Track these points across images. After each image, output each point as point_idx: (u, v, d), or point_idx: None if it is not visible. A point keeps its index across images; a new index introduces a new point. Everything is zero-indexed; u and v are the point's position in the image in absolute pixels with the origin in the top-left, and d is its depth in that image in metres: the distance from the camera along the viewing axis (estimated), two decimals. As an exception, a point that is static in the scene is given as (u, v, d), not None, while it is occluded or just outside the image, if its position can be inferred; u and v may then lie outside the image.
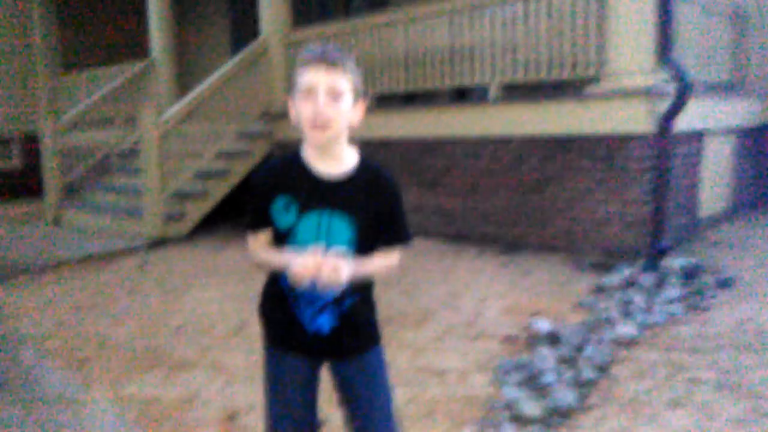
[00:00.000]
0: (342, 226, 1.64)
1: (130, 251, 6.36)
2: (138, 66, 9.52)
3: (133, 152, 8.16)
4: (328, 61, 1.58)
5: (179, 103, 7.22)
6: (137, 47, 10.92)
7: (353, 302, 1.72)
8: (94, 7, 12.01)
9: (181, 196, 7.01)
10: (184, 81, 10.01)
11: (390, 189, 1.72)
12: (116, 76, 9.67)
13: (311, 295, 1.66)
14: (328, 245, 1.62)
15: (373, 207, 1.67)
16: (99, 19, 12.17)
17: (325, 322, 1.70)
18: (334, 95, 1.59)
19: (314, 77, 1.58)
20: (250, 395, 3.10)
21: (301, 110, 1.60)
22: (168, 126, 6.86)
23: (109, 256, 6.16)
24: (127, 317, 4.36)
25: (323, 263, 1.54)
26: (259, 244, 1.73)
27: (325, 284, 1.56)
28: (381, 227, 1.70)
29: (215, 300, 4.67)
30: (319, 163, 1.66)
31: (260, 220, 1.69)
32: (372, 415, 1.80)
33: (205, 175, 7.21)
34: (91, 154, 8.90)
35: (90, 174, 8.87)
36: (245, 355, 3.60)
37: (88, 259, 6.05)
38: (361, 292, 1.74)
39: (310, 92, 1.58)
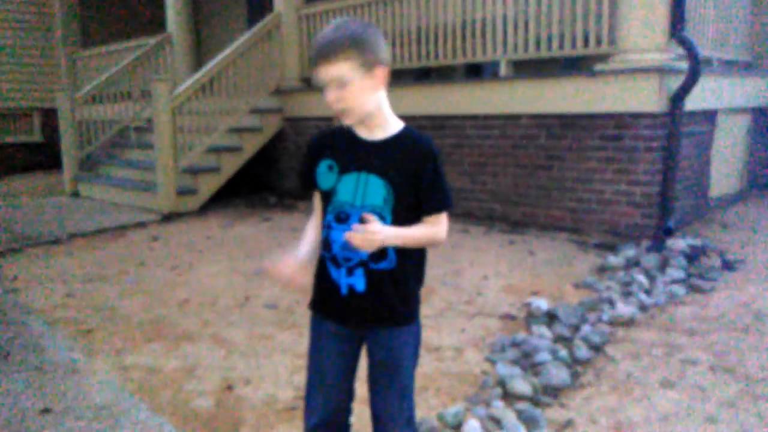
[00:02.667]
0: (377, 188, 1.73)
1: (142, 225, 6.46)
2: (154, 40, 9.55)
3: (148, 127, 8.23)
4: (323, 56, 1.67)
5: (192, 78, 7.25)
6: (155, 21, 10.97)
7: (388, 267, 1.76)
8: (111, -20, 12.07)
9: (194, 171, 7.08)
10: (200, 55, 10.05)
11: (427, 154, 1.75)
12: (134, 50, 9.73)
13: (344, 255, 1.76)
14: (364, 205, 1.73)
15: (410, 171, 1.73)
16: (118, -6, 12.23)
17: (356, 282, 1.77)
18: (339, 84, 1.67)
19: (319, 73, 1.69)
20: (249, 368, 3.17)
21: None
22: (181, 101, 6.90)
23: (121, 229, 6.27)
24: (135, 289, 4.45)
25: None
26: (317, 203, 1.90)
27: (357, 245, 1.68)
28: (421, 194, 1.75)
29: (222, 274, 4.74)
30: (363, 131, 1.78)
31: (304, 180, 1.86)
32: (387, 396, 1.85)
33: (217, 151, 7.27)
34: (109, 128, 9.02)
35: (107, 148, 9.00)
36: (247, 329, 3.67)
37: (101, 232, 6.16)
38: (401, 259, 1.77)
39: (324, 85, 1.70)
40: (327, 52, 1.66)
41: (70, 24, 11.88)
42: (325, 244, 1.80)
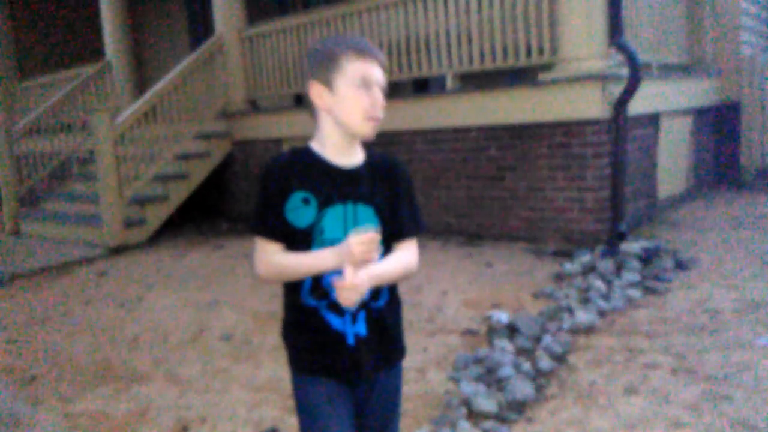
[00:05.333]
0: (368, 218, 1.58)
1: (88, 260, 6.22)
2: (92, 69, 9.31)
3: (91, 158, 7.97)
4: (381, 59, 1.58)
5: (134, 105, 7.07)
6: (95, 48, 10.70)
7: (384, 303, 1.62)
8: (47, 10, 11.74)
9: (141, 201, 6.87)
10: (143, 80, 9.84)
11: (404, 175, 1.67)
12: (73, 79, 9.47)
13: None
14: None
15: (392, 195, 1.62)
16: (54, 23, 11.93)
17: (361, 328, 1.59)
18: (383, 91, 1.59)
19: (373, 71, 1.55)
20: (205, 406, 3.04)
21: (357, 101, 1.54)
22: (123, 129, 6.71)
23: (66, 267, 6.02)
24: (82, 329, 4.25)
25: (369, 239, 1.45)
26: (272, 252, 1.56)
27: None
28: (397, 218, 1.63)
29: (173, 307, 4.57)
30: (337, 156, 1.59)
31: (276, 221, 1.55)
32: None
33: (164, 179, 7.07)
34: (50, 161, 8.70)
35: (49, 182, 8.67)
36: (201, 364, 3.53)
37: (44, 271, 5.91)
38: (389, 293, 1.64)
39: (368, 85, 1.54)
40: (382, 58, 1.58)
41: (5, 55, 11.49)
42: (317, 291, 1.56)
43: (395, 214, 1.62)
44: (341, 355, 1.58)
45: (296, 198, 1.54)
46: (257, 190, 1.59)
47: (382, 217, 1.59)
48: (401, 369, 1.74)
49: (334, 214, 1.55)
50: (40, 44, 11.91)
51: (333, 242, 1.52)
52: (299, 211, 1.54)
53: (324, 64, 1.56)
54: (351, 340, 1.58)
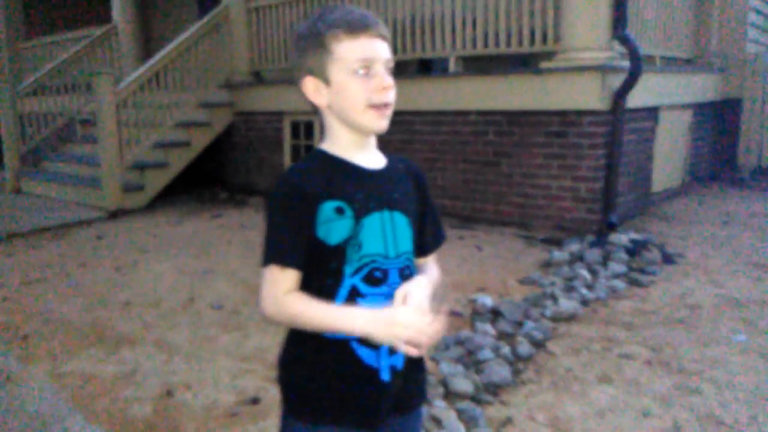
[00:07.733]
0: (405, 228, 1.35)
1: (86, 222, 6.29)
2: (98, 31, 9.29)
3: (94, 120, 8.01)
4: (380, 29, 1.29)
5: (138, 71, 7.09)
6: (101, 12, 10.68)
7: None
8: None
9: (141, 167, 6.93)
10: (150, 45, 9.82)
11: (424, 180, 1.45)
12: (79, 40, 9.47)
13: None
14: (399, 253, 1.33)
15: (422, 203, 1.42)
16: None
17: (398, 359, 1.33)
18: (390, 71, 1.31)
19: (372, 48, 1.27)
20: (190, 372, 3.12)
21: (353, 90, 1.28)
22: (125, 94, 6.74)
23: (64, 228, 6.10)
24: (76, 292, 4.33)
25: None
26: (285, 286, 1.27)
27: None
28: (427, 228, 1.44)
29: (167, 274, 4.65)
30: (358, 157, 1.34)
31: (295, 242, 1.26)
32: None
33: (165, 146, 7.12)
34: (53, 121, 8.74)
35: (52, 142, 8.73)
36: (190, 331, 3.61)
37: (43, 231, 5.98)
38: None
39: (367, 67, 1.27)
40: (382, 27, 1.29)
41: (12, 13, 11.46)
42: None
43: (424, 226, 1.43)
44: (371, 395, 1.32)
45: (327, 209, 1.26)
46: (267, 212, 1.29)
47: (414, 226, 1.38)
48: (422, 414, 1.53)
49: (372, 224, 1.30)
50: (49, 3, 11.85)
51: (374, 259, 1.30)
52: (332, 224, 1.27)
53: (312, 52, 1.30)
54: (386, 376, 1.32)
